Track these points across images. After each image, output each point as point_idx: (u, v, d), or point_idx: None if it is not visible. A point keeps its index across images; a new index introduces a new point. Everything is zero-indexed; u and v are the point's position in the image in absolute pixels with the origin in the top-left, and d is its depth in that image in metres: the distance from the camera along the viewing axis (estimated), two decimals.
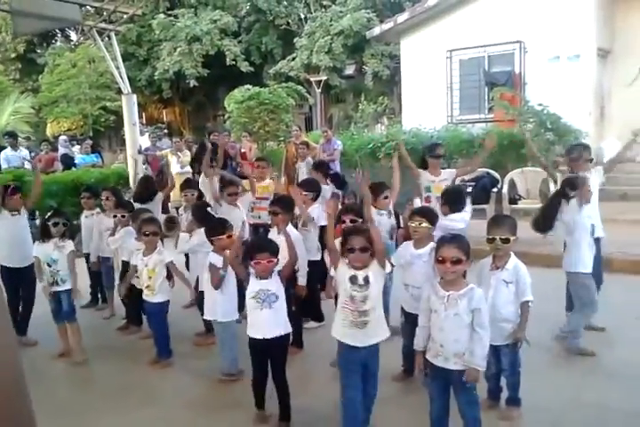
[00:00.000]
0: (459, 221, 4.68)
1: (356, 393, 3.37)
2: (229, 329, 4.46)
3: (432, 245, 3.86)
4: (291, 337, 4.01)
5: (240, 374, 4.47)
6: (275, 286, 3.76)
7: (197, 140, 12.70)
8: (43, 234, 5.17)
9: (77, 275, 5.21)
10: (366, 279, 3.34)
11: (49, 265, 5.10)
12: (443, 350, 3.16)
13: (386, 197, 4.99)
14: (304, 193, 5.50)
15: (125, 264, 5.59)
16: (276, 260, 3.75)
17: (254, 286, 3.77)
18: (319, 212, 5.45)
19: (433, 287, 3.27)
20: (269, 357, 3.77)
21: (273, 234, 4.78)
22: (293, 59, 21.20)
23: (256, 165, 6.84)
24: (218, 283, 4.32)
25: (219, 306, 4.42)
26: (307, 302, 5.15)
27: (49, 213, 5.32)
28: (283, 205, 4.97)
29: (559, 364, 4.58)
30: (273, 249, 3.77)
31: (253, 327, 3.77)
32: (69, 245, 5.15)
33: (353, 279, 3.35)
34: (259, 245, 3.86)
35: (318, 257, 5.21)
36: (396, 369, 4.33)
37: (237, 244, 4.12)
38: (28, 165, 11.38)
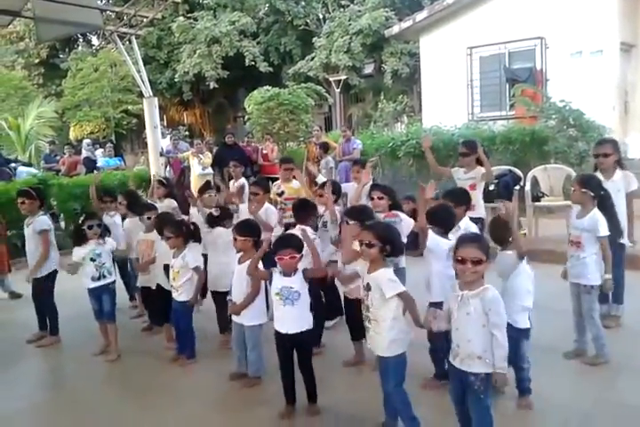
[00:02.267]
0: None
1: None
2: (256, 333, 4.44)
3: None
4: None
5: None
6: (298, 283, 3.81)
7: (218, 142, 12.79)
8: (78, 238, 5.22)
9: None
10: (368, 286, 3.44)
11: (93, 260, 5.16)
12: (459, 351, 3.13)
13: None
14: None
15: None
16: (299, 255, 3.80)
17: (278, 282, 3.84)
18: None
19: (454, 286, 3.26)
20: (294, 349, 3.90)
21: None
22: (312, 59, 21.22)
23: (283, 167, 6.76)
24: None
25: (246, 310, 4.37)
26: (328, 301, 5.19)
27: (82, 218, 5.39)
28: (302, 209, 5.00)
29: (580, 364, 4.50)
30: (296, 245, 3.82)
31: (278, 321, 3.89)
32: (110, 242, 5.29)
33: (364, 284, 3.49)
34: (281, 242, 3.91)
35: (336, 257, 5.19)
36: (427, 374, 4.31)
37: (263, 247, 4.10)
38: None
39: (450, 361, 3.23)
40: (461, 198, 4.62)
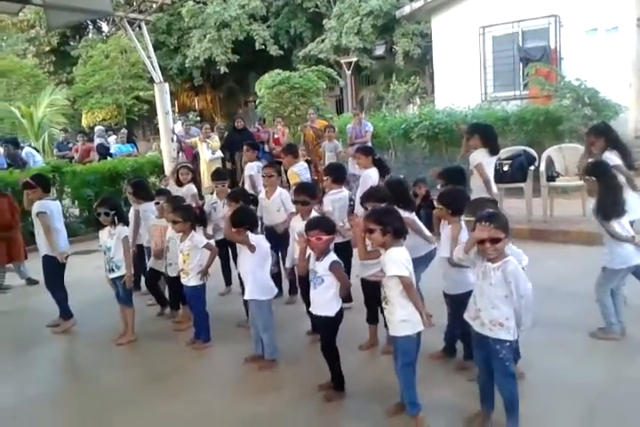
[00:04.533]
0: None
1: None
2: (263, 309, 4.48)
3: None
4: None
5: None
6: (322, 269, 3.83)
7: (229, 127, 12.76)
8: (97, 223, 5.35)
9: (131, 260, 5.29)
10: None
11: (104, 253, 5.24)
12: (480, 315, 3.25)
13: None
14: (325, 177, 5.48)
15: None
16: (326, 237, 3.81)
17: (310, 264, 3.93)
18: (339, 196, 5.39)
19: (476, 255, 3.30)
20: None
21: (297, 221, 4.91)
22: (323, 41, 20.99)
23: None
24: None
25: (249, 284, 4.50)
26: None
27: (96, 203, 5.45)
28: (305, 193, 4.98)
29: (597, 342, 4.50)
30: (324, 226, 3.86)
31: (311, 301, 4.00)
32: (122, 231, 5.23)
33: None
34: (309, 223, 3.98)
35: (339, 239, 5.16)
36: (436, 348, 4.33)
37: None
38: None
39: (469, 322, 3.34)
40: (455, 177, 4.74)
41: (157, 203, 5.80)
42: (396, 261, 3.41)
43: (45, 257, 5.65)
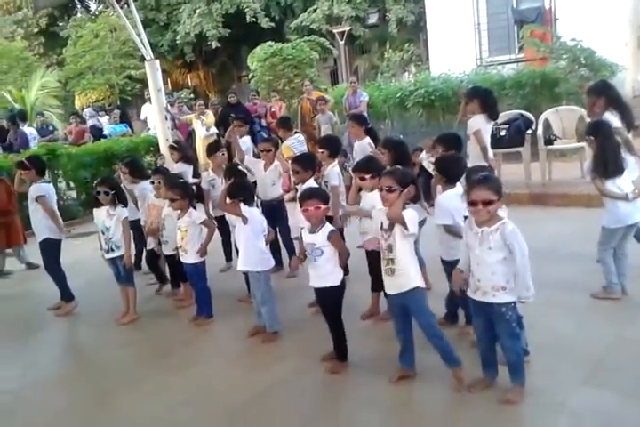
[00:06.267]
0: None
1: (400, 335, 3.64)
2: (261, 282, 4.50)
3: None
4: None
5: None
6: (320, 240, 3.81)
7: (223, 103, 12.63)
8: (94, 201, 5.33)
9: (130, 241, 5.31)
10: (390, 226, 3.46)
11: (102, 233, 5.23)
12: (481, 285, 3.26)
13: None
14: (319, 150, 5.43)
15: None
16: (324, 207, 3.82)
17: (305, 238, 3.92)
18: (336, 171, 5.36)
19: (469, 223, 3.34)
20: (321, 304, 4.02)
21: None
22: (314, 11, 20.64)
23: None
24: None
25: (245, 255, 4.51)
26: None
27: (96, 182, 5.42)
28: (302, 163, 4.99)
29: (599, 302, 4.50)
30: (321, 196, 3.88)
31: (310, 276, 3.97)
32: (121, 211, 5.22)
33: (382, 225, 3.53)
34: (307, 193, 3.98)
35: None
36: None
37: None
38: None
39: (470, 297, 3.34)
40: (452, 143, 4.70)
41: (153, 182, 5.75)
42: (412, 218, 3.42)
43: (46, 240, 5.63)
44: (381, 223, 3.55)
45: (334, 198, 4.77)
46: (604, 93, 5.47)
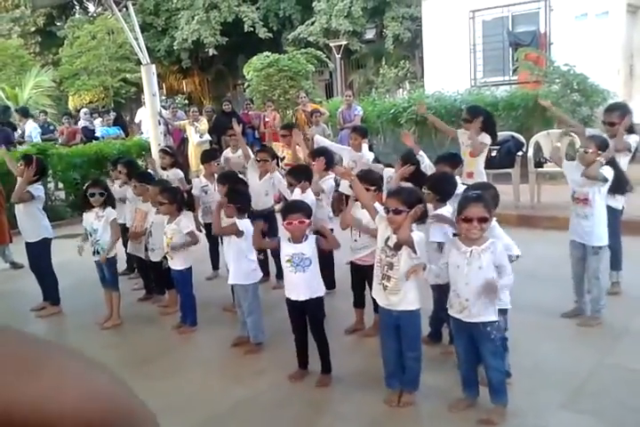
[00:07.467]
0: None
1: (388, 353, 3.56)
2: (248, 293, 4.48)
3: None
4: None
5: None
6: (309, 250, 3.79)
7: (217, 110, 12.64)
8: (83, 204, 5.30)
9: (116, 244, 5.30)
10: (397, 245, 3.38)
11: (90, 235, 5.20)
12: (468, 304, 3.22)
13: None
14: (312, 162, 5.47)
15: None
16: (307, 221, 3.79)
17: (288, 249, 3.83)
18: (331, 183, 5.41)
19: (454, 243, 3.32)
20: (307, 316, 3.91)
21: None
22: (312, 24, 20.78)
23: (281, 133, 6.79)
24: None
25: (233, 268, 4.49)
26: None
27: (87, 184, 5.41)
28: (296, 175, 5.05)
29: (581, 328, 4.52)
30: (305, 210, 3.84)
31: (289, 289, 3.90)
32: (111, 213, 5.21)
33: (387, 240, 3.46)
34: (290, 207, 3.96)
35: (331, 226, 5.18)
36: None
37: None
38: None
39: (454, 317, 3.32)
40: (452, 160, 4.83)
41: (135, 186, 5.73)
42: (420, 242, 3.39)
43: (45, 240, 5.60)
44: (387, 238, 3.48)
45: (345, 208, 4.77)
46: (629, 113, 5.24)
